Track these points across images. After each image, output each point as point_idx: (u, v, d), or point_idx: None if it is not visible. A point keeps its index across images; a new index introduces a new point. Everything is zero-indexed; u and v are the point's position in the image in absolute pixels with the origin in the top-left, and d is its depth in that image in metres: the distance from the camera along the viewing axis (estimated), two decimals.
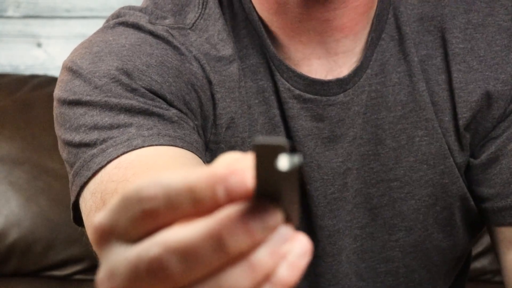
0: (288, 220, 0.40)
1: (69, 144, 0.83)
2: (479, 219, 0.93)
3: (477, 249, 1.64)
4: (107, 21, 0.90)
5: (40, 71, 1.90)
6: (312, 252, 0.42)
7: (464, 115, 0.87)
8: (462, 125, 0.88)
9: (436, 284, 0.96)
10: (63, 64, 0.86)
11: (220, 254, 0.38)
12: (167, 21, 0.87)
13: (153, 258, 0.39)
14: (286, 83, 0.86)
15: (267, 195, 0.39)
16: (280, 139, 0.38)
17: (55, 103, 0.85)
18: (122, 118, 0.80)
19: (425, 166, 0.89)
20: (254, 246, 0.39)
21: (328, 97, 0.86)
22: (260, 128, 0.87)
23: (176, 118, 0.82)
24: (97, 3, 1.91)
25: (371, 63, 0.87)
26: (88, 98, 0.82)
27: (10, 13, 1.92)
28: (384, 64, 0.88)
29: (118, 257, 0.40)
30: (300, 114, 0.87)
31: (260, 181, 0.38)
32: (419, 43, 0.88)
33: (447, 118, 0.88)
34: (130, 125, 0.80)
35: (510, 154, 0.88)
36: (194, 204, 0.39)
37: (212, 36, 0.87)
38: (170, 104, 0.83)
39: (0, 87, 1.78)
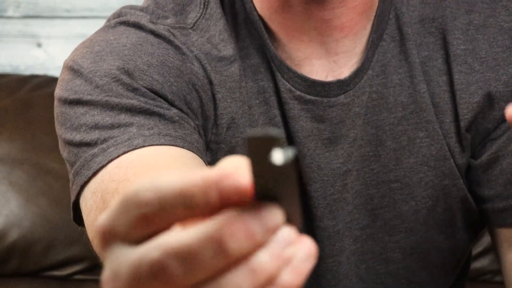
0: (290, 221, 0.40)
1: (70, 143, 0.83)
2: (480, 220, 0.93)
3: (477, 249, 1.64)
4: (108, 20, 0.89)
5: (40, 71, 1.90)
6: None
7: (466, 116, 0.87)
8: (464, 126, 0.88)
9: (436, 285, 0.96)
10: (64, 64, 0.86)
11: (220, 257, 0.38)
12: (168, 21, 0.87)
13: (154, 261, 0.39)
14: (287, 84, 0.86)
15: (265, 193, 0.38)
16: (273, 130, 0.38)
17: (56, 103, 0.85)
18: (123, 117, 0.80)
19: (426, 167, 0.89)
20: (256, 248, 0.39)
21: (328, 98, 0.86)
22: None
23: (177, 118, 0.82)
24: (97, 3, 1.91)
25: (372, 64, 0.87)
26: (89, 97, 0.82)
27: (10, 13, 1.92)
28: (385, 65, 0.88)
29: (121, 259, 0.40)
30: (300, 115, 0.87)
31: (257, 177, 0.38)
32: (420, 45, 0.88)
33: (448, 120, 0.88)
34: (131, 124, 0.80)
35: (510, 155, 0.88)
36: (187, 209, 0.39)
37: (213, 36, 0.87)
38: (171, 103, 0.83)
39: (0, 87, 1.78)
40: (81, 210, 0.82)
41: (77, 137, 0.82)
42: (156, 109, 0.81)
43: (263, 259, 0.39)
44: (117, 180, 0.77)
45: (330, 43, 0.86)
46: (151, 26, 0.86)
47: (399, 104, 0.88)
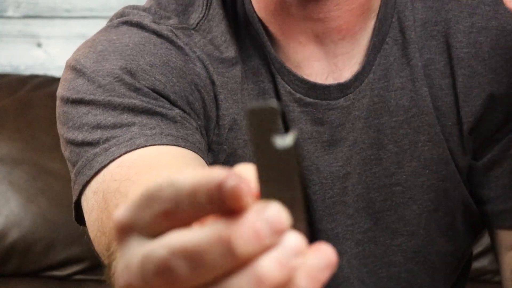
0: (295, 227, 0.39)
1: (72, 143, 0.83)
2: (481, 222, 0.93)
3: (477, 249, 1.64)
4: (111, 20, 0.90)
5: (40, 71, 1.90)
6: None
7: (469, 119, 0.87)
8: (466, 129, 0.88)
9: (437, 287, 0.96)
10: (66, 63, 0.86)
11: (228, 258, 0.38)
12: (171, 21, 0.87)
13: (159, 259, 0.39)
14: (287, 86, 0.86)
15: (268, 181, 0.39)
16: (272, 102, 0.38)
17: (58, 102, 0.85)
18: (125, 117, 0.81)
19: (428, 171, 0.89)
20: (263, 251, 0.38)
21: (328, 101, 0.86)
22: None
23: (179, 118, 0.82)
24: (97, 3, 1.91)
25: (373, 67, 0.87)
26: (91, 97, 0.82)
27: (10, 13, 1.92)
28: (387, 68, 0.87)
29: (134, 253, 0.40)
30: (300, 117, 0.87)
31: (259, 158, 0.38)
32: (422, 48, 0.88)
33: (450, 123, 0.88)
34: (133, 124, 0.80)
35: (509, 157, 0.88)
36: (195, 208, 0.39)
37: (216, 38, 0.87)
38: (174, 104, 0.83)
39: (0, 87, 1.78)
40: (83, 209, 0.82)
41: (79, 136, 0.82)
42: (158, 109, 0.81)
43: (269, 266, 0.38)
44: (119, 179, 0.77)
45: (328, 45, 0.86)
46: (153, 26, 0.86)
47: (401, 107, 0.87)
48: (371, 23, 0.87)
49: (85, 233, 0.83)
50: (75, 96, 0.83)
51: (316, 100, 0.86)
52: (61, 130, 0.85)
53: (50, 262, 1.67)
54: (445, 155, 0.88)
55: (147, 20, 0.87)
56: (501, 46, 0.87)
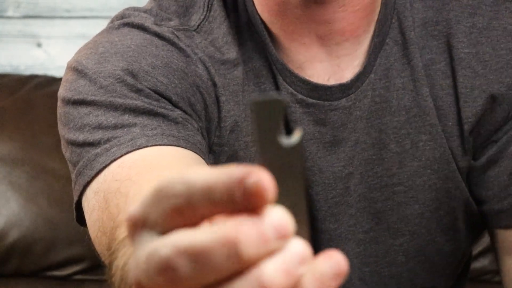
0: (299, 227, 0.39)
1: (73, 143, 0.83)
2: (481, 222, 0.93)
3: (477, 249, 1.65)
4: (112, 22, 0.90)
5: (40, 71, 1.90)
6: (314, 256, 0.41)
7: (470, 119, 0.87)
8: (467, 129, 0.88)
9: (438, 286, 0.96)
10: (67, 64, 0.87)
11: (233, 260, 0.38)
12: (172, 23, 0.88)
13: (162, 258, 0.38)
14: (289, 87, 0.86)
15: (271, 174, 0.38)
16: (278, 95, 0.38)
17: (59, 103, 0.86)
18: (127, 118, 0.81)
19: (429, 171, 0.89)
20: (268, 255, 0.38)
21: (330, 102, 0.87)
22: None
23: (181, 119, 0.82)
24: (97, 3, 1.91)
25: (374, 68, 0.87)
26: (93, 98, 0.82)
27: (10, 13, 1.93)
28: (388, 69, 0.88)
29: (144, 249, 0.40)
30: (302, 118, 0.87)
31: (263, 150, 0.38)
32: (423, 48, 0.88)
33: (451, 123, 0.88)
34: (134, 125, 0.80)
35: (509, 157, 0.88)
36: (213, 205, 0.39)
37: (217, 39, 0.87)
38: (175, 105, 0.83)
39: (0, 87, 1.78)
40: (84, 210, 0.82)
41: (81, 137, 0.82)
42: (159, 110, 0.82)
43: (273, 272, 0.38)
44: (120, 180, 0.77)
45: (331, 46, 0.86)
46: (155, 28, 0.86)
47: (402, 107, 0.88)
48: (373, 24, 0.88)
49: (85, 233, 0.83)
50: (76, 97, 0.83)
51: (318, 101, 0.87)
52: (62, 130, 0.85)
53: (50, 262, 1.67)
54: (446, 155, 0.88)
55: (148, 21, 0.87)
56: (502, 47, 0.88)
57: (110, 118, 0.81)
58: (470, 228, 0.94)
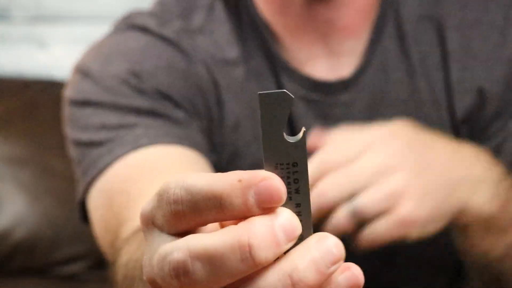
0: (304, 228, 0.39)
1: (77, 143, 0.84)
2: None
3: None
4: (117, 24, 0.91)
5: (44, 74, 1.90)
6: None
7: (462, 112, 0.88)
8: (460, 122, 0.88)
9: (438, 286, 0.96)
10: (74, 66, 0.88)
11: (247, 263, 0.37)
12: (175, 24, 0.88)
13: (176, 262, 0.38)
14: (291, 84, 0.87)
15: (275, 168, 0.38)
16: (285, 91, 0.38)
17: (65, 104, 0.87)
18: (130, 118, 0.82)
19: None
20: (278, 256, 0.38)
21: (331, 97, 0.88)
22: None
23: (183, 119, 0.83)
24: (101, 7, 1.91)
25: (372, 62, 0.88)
26: (97, 98, 0.83)
27: (14, 15, 1.93)
28: (385, 63, 0.88)
29: (155, 248, 0.40)
30: (305, 114, 0.87)
31: (270, 145, 0.38)
32: (419, 42, 0.89)
33: (445, 115, 0.89)
34: (138, 125, 0.81)
35: (504, 155, 0.88)
36: (219, 210, 0.38)
37: (219, 39, 0.88)
38: (177, 105, 0.84)
39: (6, 89, 1.78)
40: (88, 208, 0.83)
41: (85, 137, 0.83)
42: (162, 110, 0.83)
43: (306, 270, 0.38)
44: (123, 178, 0.78)
45: (332, 43, 0.87)
46: (158, 30, 0.87)
47: (400, 100, 0.88)
48: (371, 20, 0.89)
49: (89, 232, 0.84)
50: (81, 97, 0.84)
51: (320, 97, 0.87)
52: (68, 131, 0.86)
53: (55, 260, 1.67)
54: None
55: (152, 24, 0.88)
56: (490, 42, 0.88)
57: (113, 118, 0.82)
58: None
